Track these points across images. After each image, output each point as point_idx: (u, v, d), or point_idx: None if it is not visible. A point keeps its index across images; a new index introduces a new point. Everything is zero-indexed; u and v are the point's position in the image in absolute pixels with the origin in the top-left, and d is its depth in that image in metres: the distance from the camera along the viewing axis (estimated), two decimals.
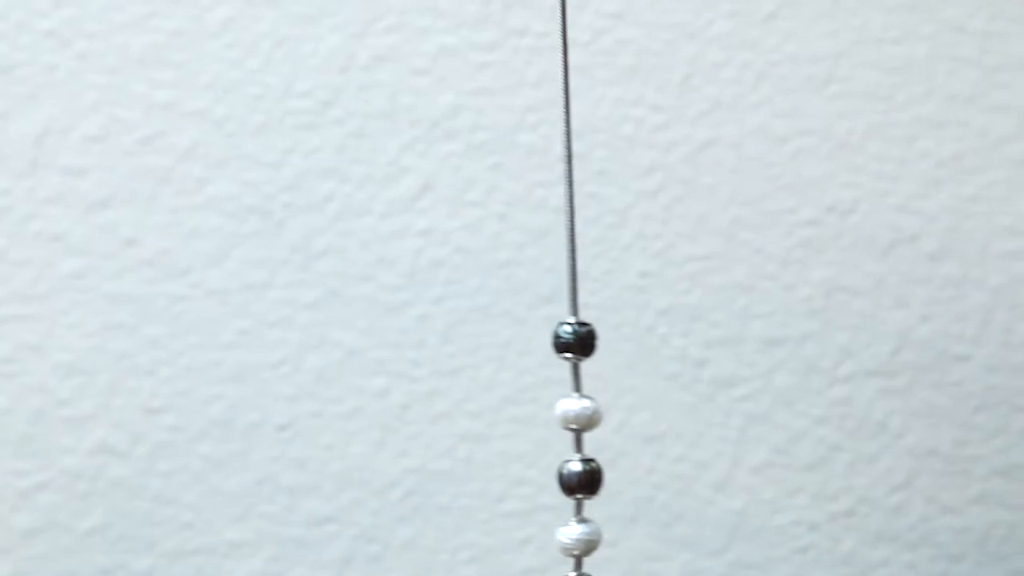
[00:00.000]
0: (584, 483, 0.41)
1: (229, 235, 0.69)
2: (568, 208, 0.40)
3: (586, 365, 0.70)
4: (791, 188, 0.70)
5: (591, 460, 0.41)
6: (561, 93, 0.40)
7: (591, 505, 0.42)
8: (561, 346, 0.41)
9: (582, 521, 0.41)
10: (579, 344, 0.41)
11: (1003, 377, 0.70)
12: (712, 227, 0.70)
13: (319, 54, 0.68)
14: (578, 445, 0.41)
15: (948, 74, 0.70)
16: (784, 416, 0.70)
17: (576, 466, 0.41)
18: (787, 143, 0.70)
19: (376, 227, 0.69)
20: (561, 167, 0.69)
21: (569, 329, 0.41)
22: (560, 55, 0.39)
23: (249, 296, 0.69)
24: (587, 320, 0.42)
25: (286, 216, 0.69)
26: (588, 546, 0.41)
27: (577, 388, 0.41)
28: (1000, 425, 0.70)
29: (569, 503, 0.69)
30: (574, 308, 0.41)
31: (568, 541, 0.41)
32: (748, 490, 0.71)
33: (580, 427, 0.41)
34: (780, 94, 0.69)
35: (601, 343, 0.69)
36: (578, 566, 0.41)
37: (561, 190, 0.69)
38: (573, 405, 0.41)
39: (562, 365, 0.70)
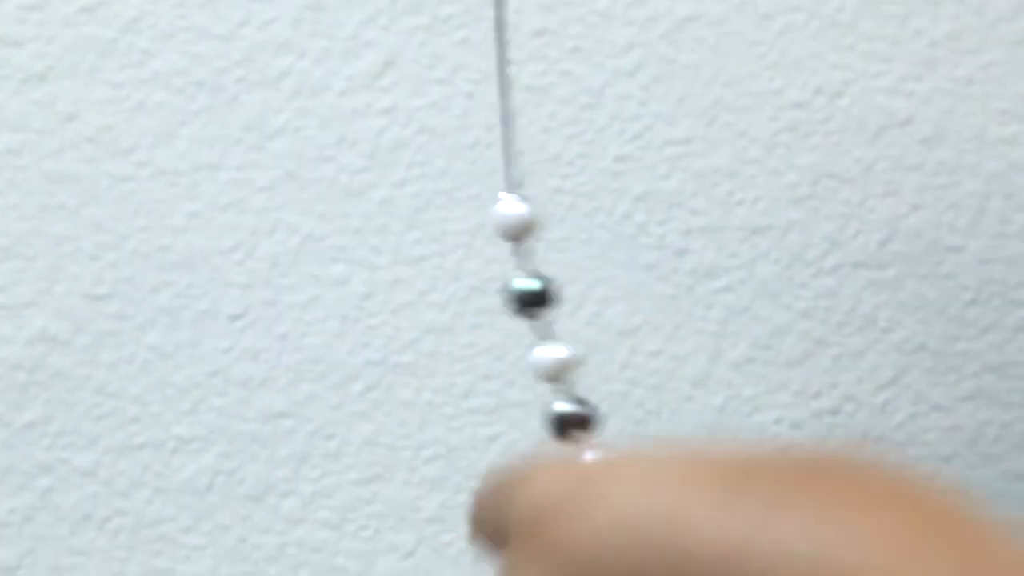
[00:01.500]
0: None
1: (177, 112, 0.67)
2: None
3: (559, 255, 0.68)
4: (777, 68, 0.68)
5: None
6: None
7: None
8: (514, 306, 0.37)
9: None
10: (535, 299, 0.38)
11: (998, 269, 0.69)
12: (693, 109, 0.68)
13: None
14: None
15: None
16: (767, 309, 0.69)
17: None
18: (773, 20, 0.68)
19: (335, 105, 0.67)
20: (533, 43, 0.67)
21: (520, 286, 0.37)
22: None
23: (199, 177, 0.67)
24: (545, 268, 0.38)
25: (239, 92, 0.67)
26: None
27: (546, 337, 0.37)
28: (994, 320, 0.69)
29: (539, 399, 0.68)
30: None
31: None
32: (728, 386, 0.69)
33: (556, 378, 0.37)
34: None
35: (574, 231, 0.68)
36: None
37: (533, 67, 0.67)
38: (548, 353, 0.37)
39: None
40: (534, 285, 0.37)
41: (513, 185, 0.38)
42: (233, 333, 0.68)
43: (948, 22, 0.68)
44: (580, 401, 0.38)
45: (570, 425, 0.38)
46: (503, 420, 0.69)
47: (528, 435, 0.69)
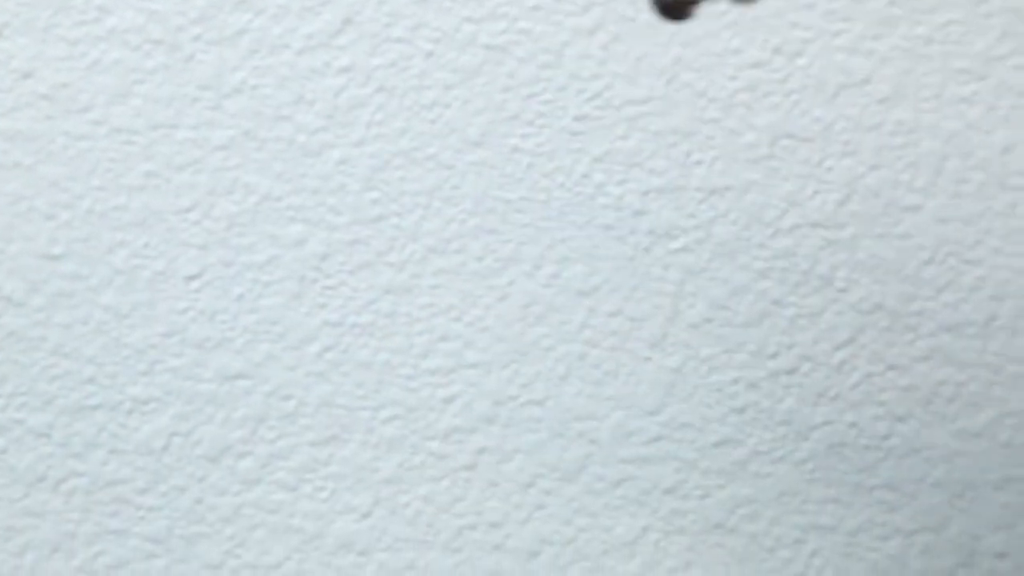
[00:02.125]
0: None
1: (133, 69, 0.67)
2: None
3: (517, 214, 0.69)
4: (736, 27, 0.68)
5: None
6: None
7: None
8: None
9: None
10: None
11: (955, 228, 0.69)
12: (652, 68, 0.68)
13: None
14: None
15: None
16: (724, 269, 0.69)
17: None
18: None
19: (293, 63, 0.67)
20: (492, 1, 0.68)
21: None
22: None
23: (155, 136, 0.67)
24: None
25: (195, 50, 0.67)
26: None
27: None
28: (950, 279, 0.70)
29: (497, 360, 0.68)
30: None
31: None
32: (685, 347, 0.69)
33: None
34: None
35: (533, 190, 0.68)
36: None
37: (493, 26, 0.68)
38: None
39: (492, 214, 0.69)
40: None
41: None
42: (189, 294, 0.68)
43: None
44: None
45: None
46: (460, 381, 0.69)
47: (486, 396, 0.69)
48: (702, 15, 0.68)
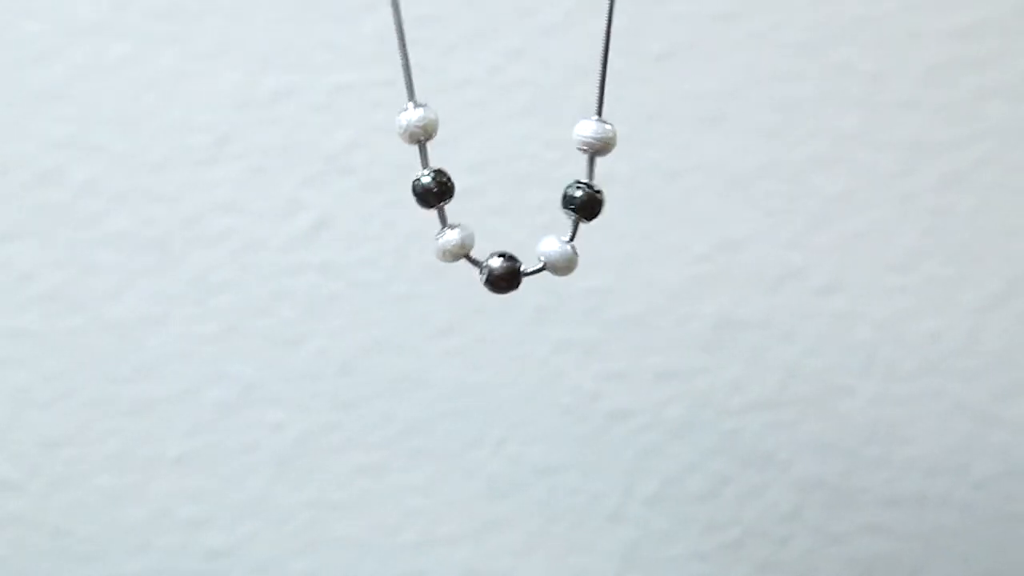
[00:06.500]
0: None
1: (127, 270, 0.69)
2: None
3: (481, 398, 0.70)
4: (683, 224, 0.70)
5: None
6: None
7: None
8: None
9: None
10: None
11: (888, 409, 0.71)
12: (606, 261, 0.70)
13: (218, 90, 0.68)
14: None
15: (836, 113, 0.70)
16: (676, 448, 0.71)
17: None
18: (678, 179, 0.70)
19: (274, 261, 0.69)
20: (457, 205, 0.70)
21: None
22: None
23: (147, 330, 0.69)
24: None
25: (184, 251, 0.69)
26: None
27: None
28: (885, 456, 0.71)
29: (465, 534, 0.69)
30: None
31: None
32: (640, 521, 0.71)
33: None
34: (672, 131, 0.70)
35: (496, 375, 0.70)
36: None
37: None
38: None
39: (459, 398, 0.70)
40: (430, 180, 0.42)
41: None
42: (177, 476, 0.70)
43: (841, 180, 0.70)
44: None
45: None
46: (431, 554, 0.71)
47: (455, 568, 0.71)
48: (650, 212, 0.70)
